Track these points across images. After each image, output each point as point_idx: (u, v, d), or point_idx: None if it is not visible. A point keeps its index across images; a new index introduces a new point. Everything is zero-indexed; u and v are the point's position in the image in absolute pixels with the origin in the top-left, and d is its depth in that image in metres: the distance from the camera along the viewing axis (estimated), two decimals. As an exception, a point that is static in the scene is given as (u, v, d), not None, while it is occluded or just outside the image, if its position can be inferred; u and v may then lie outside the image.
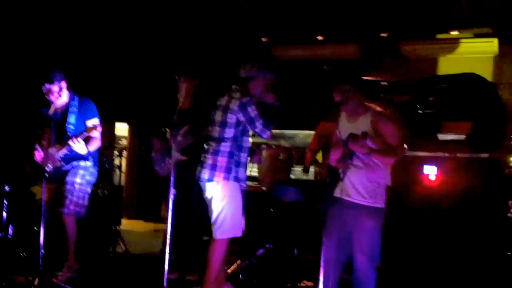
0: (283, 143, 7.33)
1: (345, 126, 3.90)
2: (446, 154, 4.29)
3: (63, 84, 4.95)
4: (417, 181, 4.38)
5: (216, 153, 4.37)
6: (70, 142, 4.71)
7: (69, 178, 4.89)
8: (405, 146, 4.17)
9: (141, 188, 8.53)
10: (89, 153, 4.93)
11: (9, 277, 4.79)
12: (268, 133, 4.38)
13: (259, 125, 4.32)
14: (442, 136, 5.06)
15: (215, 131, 4.41)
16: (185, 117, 4.83)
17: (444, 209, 4.47)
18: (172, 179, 4.20)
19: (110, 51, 7.76)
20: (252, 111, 4.30)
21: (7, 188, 5.93)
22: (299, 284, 5.03)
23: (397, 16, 7.44)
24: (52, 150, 4.87)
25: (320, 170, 6.25)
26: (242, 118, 4.31)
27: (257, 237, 5.51)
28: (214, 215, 4.38)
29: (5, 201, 5.90)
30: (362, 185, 3.81)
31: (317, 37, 8.33)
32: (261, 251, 5.54)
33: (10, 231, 5.79)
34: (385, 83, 5.59)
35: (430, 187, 4.27)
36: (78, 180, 4.91)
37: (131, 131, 9.15)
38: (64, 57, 6.89)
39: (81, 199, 4.92)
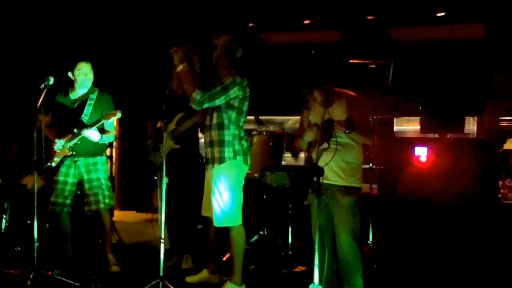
0: (273, 129, 7.33)
1: (319, 112, 3.99)
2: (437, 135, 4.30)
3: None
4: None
5: None
6: (85, 130, 4.81)
7: (94, 176, 5.02)
8: None
9: (132, 178, 8.48)
10: (105, 146, 5.15)
11: (3, 271, 4.77)
12: None
13: None
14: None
15: None
16: (177, 105, 4.82)
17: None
18: (164, 167, 4.21)
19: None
20: None
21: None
22: (293, 270, 5.07)
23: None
24: (60, 141, 4.92)
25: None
26: None
27: (250, 224, 5.53)
28: None
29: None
30: (338, 166, 3.95)
31: (304, 22, 8.29)
32: (255, 237, 5.59)
33: (3, 224, 5.77)
34: (373, 66, 5.60)
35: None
36: (103, 175, 5.09)
37: (120, 120, 9.06)
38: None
39: (110, 191, 5.14)
